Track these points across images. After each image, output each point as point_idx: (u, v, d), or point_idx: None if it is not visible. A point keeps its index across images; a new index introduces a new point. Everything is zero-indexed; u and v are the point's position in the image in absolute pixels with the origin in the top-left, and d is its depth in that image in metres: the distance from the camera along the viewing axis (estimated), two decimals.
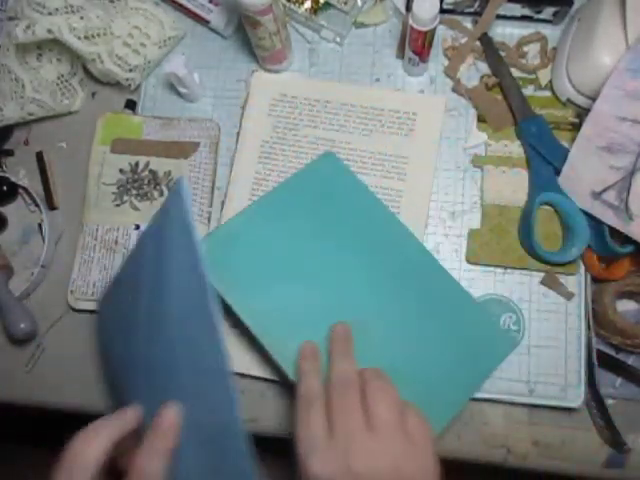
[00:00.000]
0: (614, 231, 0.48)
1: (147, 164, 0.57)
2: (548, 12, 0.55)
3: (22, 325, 0.52)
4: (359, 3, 0.58)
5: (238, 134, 0.57)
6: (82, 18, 0.55)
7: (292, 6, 0.58)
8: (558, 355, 0.50)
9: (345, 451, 0.35)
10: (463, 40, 0.57)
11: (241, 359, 0.51)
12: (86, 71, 0.61)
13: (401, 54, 0.57)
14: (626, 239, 0.48)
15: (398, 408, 0.37)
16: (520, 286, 0.52)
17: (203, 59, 0.60)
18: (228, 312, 0.47)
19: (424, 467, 0.36)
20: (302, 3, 0.58)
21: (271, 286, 0.47)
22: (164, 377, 0.38)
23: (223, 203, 0.55)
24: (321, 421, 0.37)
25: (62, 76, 0.59)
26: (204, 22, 0.60)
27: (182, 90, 0.57)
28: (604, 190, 0.48)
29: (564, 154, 0.50)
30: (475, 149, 0.55)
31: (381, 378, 0.39)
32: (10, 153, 0.61)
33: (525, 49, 0.56)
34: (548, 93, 0.55)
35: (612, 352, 0.52)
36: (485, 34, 0.56)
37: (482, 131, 0.55)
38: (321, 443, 0.36)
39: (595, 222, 0.49)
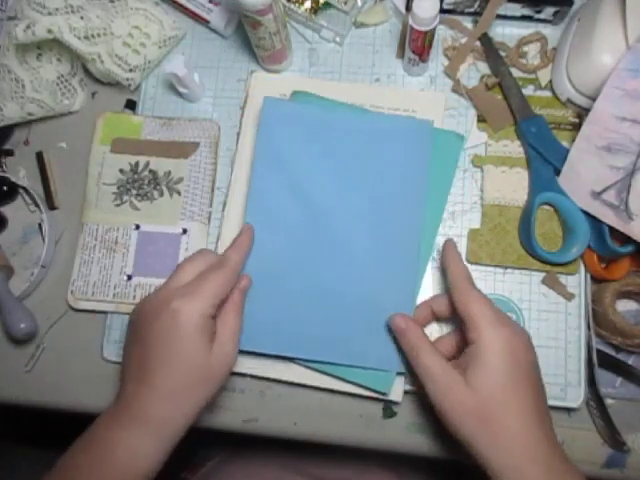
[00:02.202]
0: (614, 231, 0.48)
1: (147, 164, 0.57)
2: (548, 12, 0.55)
3: (22, 325, 0.52)
4: (359, 3, 0.58)
5: (238, 134, 0.57)
6: (82, 18, 0.55)
7: (292, 6, 0.58)
8: (558, 355, 0.50)
9: (519, 327, 0.45)
10: (463, 40, 0.57)
11: (241, 359, 0.51)
12: (86, 71, 0.61)
13: (401, 54, 0.57)
14: (626, 239, 0.48)
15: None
16: (520, 286, 0.52)
17: (203, 59, 0.60)
18: None
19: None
20: (302, 3, 0.58)
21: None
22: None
23: (225, 203, 0.55)
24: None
25: (62, 76, 0.59)
26: (204, 22, 0.60)
27: (182, 90, 0.57)
28: (604, 190, 0.48)
29: (564, 154, 0.50)
30: (475, 149, 0.55)
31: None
32: (10, 153, 0.61)
33: (525, 49, 0.56)
34: (548, 93, 0.55)
35: (612, 352, 0.52)
36: (485, 34, 0.56)
37: (482, 131, 0.55)
38: (503, 317, 0.44)
39: (595, 222, 0.49)
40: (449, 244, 0.49)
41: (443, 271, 0.49)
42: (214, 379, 0.43)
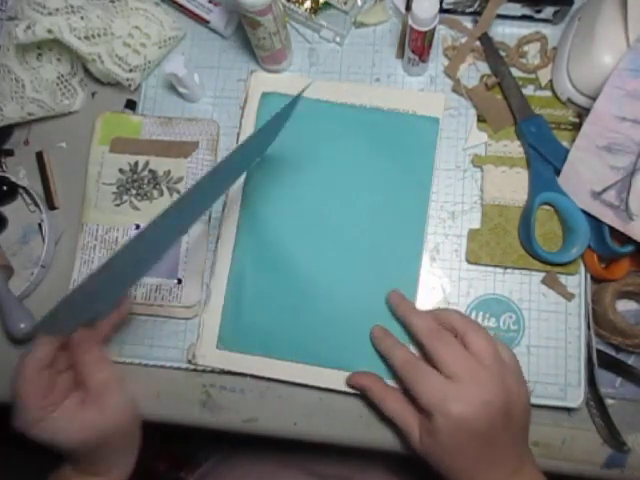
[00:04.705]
0: (614, 231, 0.48)
1: (146, 164, 0.57)
2: (548, 12, 0.55)
3: (22, 325, 0.52)
4: (359, 3, 0.58)
5: (238, 134, 0.57)
6: (82, 18, 0.55)
7: (292, 6, 0.58)
8: (558, 355, 0.50)
9: (472, 388, 0.41)
10: (463, 40, 0.57)
11: (242, 359, 0.52)
12: (86, 71, 0.61)
13: (401, 54, 0.57)
14: (626, 239, 0.48)
15: (492, 339, 0.43)
16: (520, 286, 0.52)
17: (203, 59, 0.60)
18: None
19: (523, 385, 0.45)
20: (302, 3, 0.58)
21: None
22: None
23: (225, 203, 0.55)
24: (437, 373, 0.42)
25: (62, 76, 0.59)
26: (204, 22, 0.60)
27: (182, 90, 0.57)
28: (604, 190, 0.48)
29: (564, 154, 0.50)
30: (475, 149, 0.55)
31: (463, 316, 0.46)
32: (10, 153, 0.61)
33: (525, 49, 0.56)
34: (548, 93, 0.55)
35: (612, 352, 0.52)
36: (485, 34, 0.55)
37: (482, 131, 0.55)
38: (450, 388, 0.41)
39: (595, 222, 0.49)
40: (378, 331, 0.49)
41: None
42: (114, 432, 0.45)
